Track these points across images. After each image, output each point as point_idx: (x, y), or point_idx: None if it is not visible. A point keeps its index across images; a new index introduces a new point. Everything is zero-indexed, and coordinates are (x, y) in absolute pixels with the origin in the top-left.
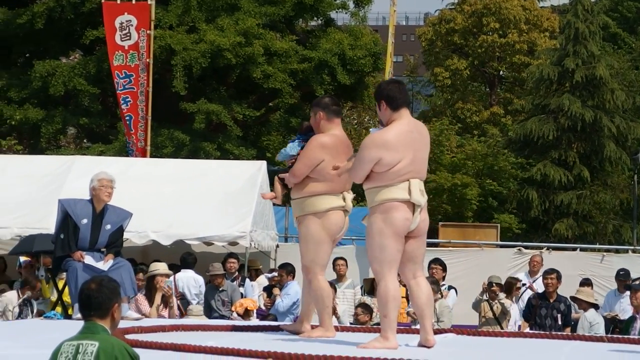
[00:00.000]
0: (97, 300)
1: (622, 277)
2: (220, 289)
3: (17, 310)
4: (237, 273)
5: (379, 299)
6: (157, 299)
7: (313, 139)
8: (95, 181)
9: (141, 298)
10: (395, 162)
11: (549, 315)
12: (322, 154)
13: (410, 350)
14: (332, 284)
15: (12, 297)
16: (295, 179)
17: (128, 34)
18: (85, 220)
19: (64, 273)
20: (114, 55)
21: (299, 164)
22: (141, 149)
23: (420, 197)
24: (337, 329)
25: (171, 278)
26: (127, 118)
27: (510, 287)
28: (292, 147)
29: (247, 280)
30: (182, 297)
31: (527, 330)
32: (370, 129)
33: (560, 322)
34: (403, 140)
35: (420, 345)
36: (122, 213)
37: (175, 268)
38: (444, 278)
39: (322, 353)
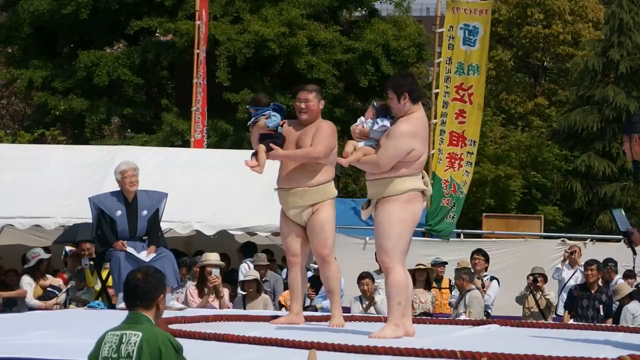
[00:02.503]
0: (143, 290)
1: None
2: (264, 280)
3: None
4: None
5: (394, 287)
6: (208, 290)
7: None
8: (118, 174)
9: (192, 289)
10: (422, 153)
11: (591, 306)
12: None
13: (455, 341)
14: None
15: None
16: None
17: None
18: (119, 212)
19: (108, 263)
20: None
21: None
22: (199, 140)
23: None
24: (380, 319)
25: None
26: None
27: None
28: (276, 115)
29: None
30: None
31: (571, 321)
32: (360, 119)
33: (602, 313)
34: (426, 132)
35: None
36: (156, 195)
37: (224, 258)
38: (486, 269)
39: (365, 344)
